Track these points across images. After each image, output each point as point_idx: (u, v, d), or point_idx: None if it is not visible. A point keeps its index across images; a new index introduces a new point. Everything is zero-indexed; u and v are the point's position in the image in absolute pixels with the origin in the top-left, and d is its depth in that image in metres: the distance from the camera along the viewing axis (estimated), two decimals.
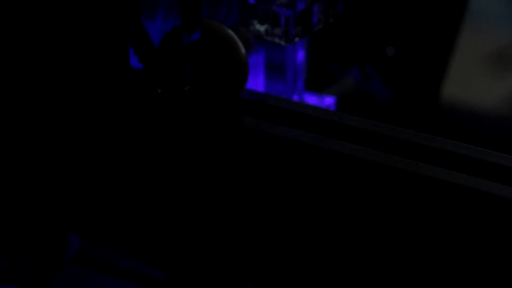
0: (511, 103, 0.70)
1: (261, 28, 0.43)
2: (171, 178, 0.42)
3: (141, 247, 0.46)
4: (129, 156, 0.41)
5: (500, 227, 0.36)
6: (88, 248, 0.50)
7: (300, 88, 0.48)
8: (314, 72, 0.53)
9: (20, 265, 0.48)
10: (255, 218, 0.42)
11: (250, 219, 0.42)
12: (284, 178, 0.40)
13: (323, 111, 0.41)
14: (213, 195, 0.42)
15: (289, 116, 0.41)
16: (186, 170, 0.42)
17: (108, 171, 0.41)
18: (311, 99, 0.49)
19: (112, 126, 0.39)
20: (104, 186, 0.43)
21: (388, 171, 0.38)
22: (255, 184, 0.41)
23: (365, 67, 0.58)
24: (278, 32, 0.43)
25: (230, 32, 0.41)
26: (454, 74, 0.65)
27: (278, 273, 0.43)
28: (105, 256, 0.50)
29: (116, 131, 0.39)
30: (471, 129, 0.67)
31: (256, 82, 0.47)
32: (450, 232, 0.37)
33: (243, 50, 0.41)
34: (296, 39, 0.43)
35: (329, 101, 0.49)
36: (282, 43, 0.43)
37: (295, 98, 0.48)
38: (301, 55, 0.47)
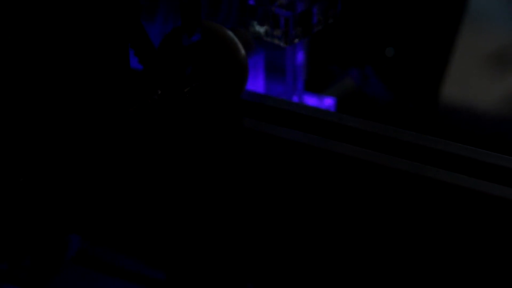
0: (511, 103, 0.70)
1: (261, 29, 0.43)
2: (171, 179, 0.42)
3: (141, 248, 0.46)
4: (129, 157, 0.41)
5: (499, 228, 0.36)
6: (88, 248, 0.50)
7: (300, 89, 0.48)
8: (313, 73, 0.53)
9: (20, 265, 0.48)
10: (255, 219, 0.42)
11: (250, 219, 0.42)
12: (284, 179, 0.40)
13: (322, 112, 0.41)
14: (213, 196, 0.42)
15: (289, 117, 0.41)
16: (186, 171, 0.42)
17: (108, 171, 0.41)
18: (311, 100, 0.49)
19: (112, 127, 0.39)
20: (105, 187, 0.43)
21: (388, 172, 0.38)
22: (255, 185, 0.41)
23: (365, 68, 0.58)
24: (278, 33, 0.43)
25: (230, 33, 0.41)
26: (453, 74, 0.65)
27: (278, 274, 0.43)
28: (105, 256, 0.50)
29: (116, 132, 0.39)
30: (471, 129, 0.67)
31: (256, 83, 0.47)
32: (450, 233, 0.37)
33: (243, 51, 0.41)
34: (296, 40, 0.43)
35: (328, 102, 0.49)
36: (282, 44, 0.43)
37: (295, 99, 0.48)
38: (300, 56, 0.47)
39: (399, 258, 0.39)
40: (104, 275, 0.49)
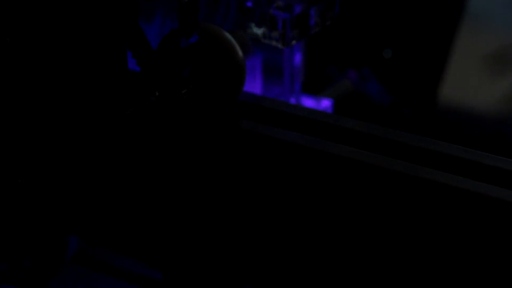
0: (509, 104, 0.70)
1: (259, 31, 0.43)
2: (169, 181, 0.42)
3: (139, 249, 0.46)
4: (127, 159, 0.41)
5: (496, 229, 0.36)
6: (88, 249, 0.50)
7: (297, 90, 0.48)
8: (311, 75, 0.53)
9: (20, 266, 0.48)
10: (252, 220, 0.42)
11: (247, 221, 0.42)
12: (281, 181, 0.40)
13: (320, 114, 0.41)
14: (211, 197, 0.42)
15: (286, 119, 0.41)
16: (184, 172, 0.42)
17: (106, 173, 0.41)
18: (308, 102, 0.49)
19: (110, 129, 0.39)
20: (103, 188, 0.43)
21: (385, 173, 0.38)
22: (252, 186, 0.41)
23: (362, 69, 0.58)
24: (276, 35, 0.43)
25: (228, 35, 0.41)
26: (451, 75, 0.65)
27: (276, 275, 0.43)
28: (104, 257, 0.50)
29: (114, 133, 0.39)
30: (469, 130, 0.67)
31: (254, 85, 0.47)
32: (447, 234, 0.38)
33: (240, 53, 0.41)
34: (293, 42, 0.43)
35: (326, 103, 0.49)
36: (279, 46, 0.43)
37: (292, 100, 0.48)
38: (298, 58, 0.47)
39: (396, 259, 0.39)
40: (103, 276, 0.49)
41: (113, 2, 0.38)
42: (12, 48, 0.37)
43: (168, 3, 0.40)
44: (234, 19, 0.44)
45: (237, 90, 0.41)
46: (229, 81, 0.41)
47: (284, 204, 0.41)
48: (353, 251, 0.40)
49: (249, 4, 0.43)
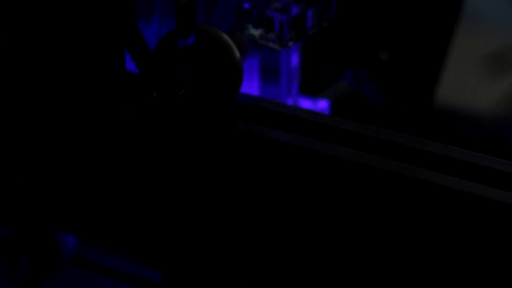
0: (506, 105, 0.70)
1: (256, 32, 0.43)
2: (166, 181, 0.42)
3: (136, 249, 0.46)
4: (125, 159, 0.41)
5: (492, 230, 0.36)
6: (86, 249, 0.50)
7: (294, 91, 0.48)
8: (308, 76, 0.53)
9: (18, 266, 0.48)
10: (250, 221, 0.42)
11: (245, 222, 0.42)
12: (279, 181, 0.40)
13: (317, 115, 0.41)
14: (208, 198, 0.42)
15: (283, 120, 0.41)
16: (181, 173, 0.42)
17: (104, 173, 0.41)
18: (305, 103, 0.49)
19: (108, 129, 0.39)
20: (101, 189, 0.43)
21: (382, 174, 0.38)
22: (249, 187, 0.41)
23: (359, 70, 0.58)
24: (273, 36, 0.43)
25: (225, 36, 0.41)
26: (448, 77, 0.65)
27: (274, 276, 0.43)
28: (103, 257, 0.50)
29: (112, 134, 0.39)
30: (466, 131, 0.67)
31: (251, 86, 0.47)
32: (444, 236, 0.38)
33: (237, 54, 0.41)
34: (290, 43, 0.43)
35: (323, 104, 0.49)
36: (277, 47, 0.43)
37: (289, 101, 0.48)
38: (295, 59, 0.47)
39: (392, 260, 0.39)
40: (101, 276, 0.49)
41: (111, 4, 0.38)
42: (10, 49, 0.37)
43: (165, 4, 0.40)
44: (231, 20, 0.44)
45: (234, 91, 0.41)
46: (226, 82, 0.41)
47: (281, 205, 0.41)
48: (351, 252, 0.40)
49: (246, 5, 0.43)
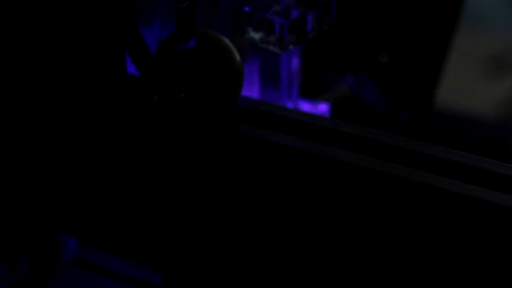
0: (506, 108, 0.70)
1: (256, 35, 0.43)
2: (167, 184, 0.43)
3: (137, 250, 0.47)
4: (126, 162, 0.41)
5: (491, 233, 0.37)
6: (86, 251, 0.50)
7: (295, 95, 0.48)
8: (308, 79, 0.53)
9: (18, 268, 0.48)
10: (250, 224, 0.42)
11: (245, 224, 0.42)
12: (279, 184, 0.40)
13: (317, 118, 0.41)
14: (209, 201, 0.42)
15: (284, 123, 0.41)
16: (182, 175, 0.42)
17: (105, 176, 0.41)
18: (305, 106, 0.49)
19: (109, 132, 0.39)
20: (102, 191, 0.43)
21: (382, 177, 0.38)
22: (250, 190, 0.41)
23: (359, 73, 0.58)
24: (273, 39, 0.43)
25: (226, 39, 0.41)
26: (448, 79, 0.65)
27: (273, 278, 0.43)
28: (103, 259, 0.50)
29: (113, 137, 0.39)
30: (466, 134, 0.67)
31: (251, 89, 0.47)
32: (444, 239, 0.38)
33: (238, 57, 0.41)
34: (291, 46, 0.43)
35: (323, 107, 0.49)
36: (277, 50, 0.43)
37: (290, 105, 0.48)
38: (295, 62, 0.47)
39: (393, 263, 0.39)
40: (101, 278, 0.49)
41: (112, 8, 0.38)
42: (12, 52, 0.37)
43: (166, 7, 0.40)
44: (232, 23, 0.44)
45: (235, 94, 0.41)
46: (227, 85, 0.41)
47: (281, 207, 0.41)
48: (350, 254, 0.40)
49: (247, 9, 0.43)
